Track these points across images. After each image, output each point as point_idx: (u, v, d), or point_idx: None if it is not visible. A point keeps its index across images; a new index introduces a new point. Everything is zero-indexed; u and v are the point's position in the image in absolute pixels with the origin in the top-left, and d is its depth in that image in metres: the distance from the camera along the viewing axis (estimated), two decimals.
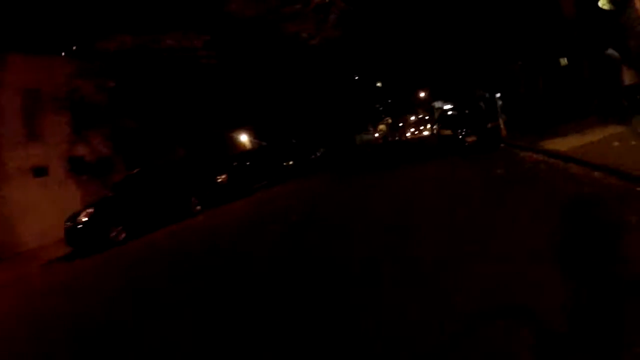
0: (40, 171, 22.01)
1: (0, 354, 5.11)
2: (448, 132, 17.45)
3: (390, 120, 78.59)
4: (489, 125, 16.35)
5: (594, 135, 10.05)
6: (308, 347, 3.39)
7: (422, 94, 56.64)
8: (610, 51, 13.96)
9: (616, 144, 8.26)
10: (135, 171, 16.18)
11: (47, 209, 20.79)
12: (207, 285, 5.96)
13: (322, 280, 4.90)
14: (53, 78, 21.75)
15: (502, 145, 14.66)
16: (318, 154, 31.47)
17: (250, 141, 31.24)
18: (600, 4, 11.87)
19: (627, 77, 13.65)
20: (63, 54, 22.79)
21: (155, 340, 4.23)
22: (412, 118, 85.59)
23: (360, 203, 10.15)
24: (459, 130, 16.63)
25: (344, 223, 8.17)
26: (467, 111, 19.16)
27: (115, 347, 4.28)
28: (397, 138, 75.61)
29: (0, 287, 11.52)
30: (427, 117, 72.70)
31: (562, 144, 10.33)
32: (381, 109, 69.87)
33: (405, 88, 52.18)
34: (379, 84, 59.89)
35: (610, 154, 7.49)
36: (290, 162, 25.25)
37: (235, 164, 20.95)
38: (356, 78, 47.70)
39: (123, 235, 12.94)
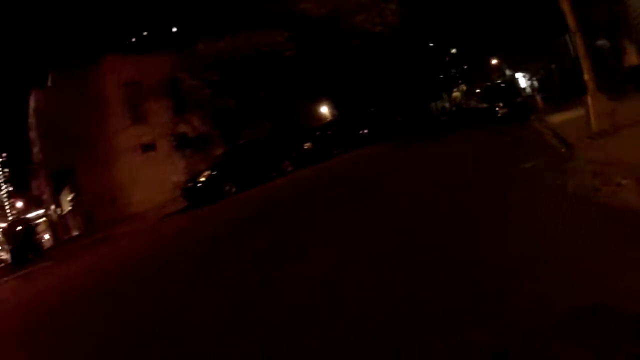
0: (148, 147, 27.22)
1: (157, 274, 7.57)
2: (484, 105, 19.82)
3: (464, 88, 78.80)
4: (518, 100, 18.26)
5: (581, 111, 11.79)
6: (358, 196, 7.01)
7: (494, 61, 57.12)
8: (601, 42, 15.46)
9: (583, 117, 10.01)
10: (242, 142, 21.04)
11: (155, 178, 25.69)
12: (296, 207, 9.89)
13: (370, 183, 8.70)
14: (153, 72, 26.54)
15: (532, 117, 15.07)
16: (392, 123, 34.14)
17: (331, 112, 34.95)
18: None
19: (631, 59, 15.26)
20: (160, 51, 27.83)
21: (262, 246, 6.83)
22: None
23: (406, 160, 13.28)
24: (495, 104, 18.90)
25: (387, 170, 11.79)
26: (503, 85, 21.35)
27: (235, 259, 6.69)
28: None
29: (135, 233, 15.76)
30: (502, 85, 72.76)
31: (558, 117, 11.83)
32: (457, 75, 70.51)
33: (478, 55, 52.91)
34: (453, 51, 60.69)
35: (568, 126, 9.31)
36: (365, 131, 28.23)
37: (318, 133, 24.68)
38: (430, 45, 48.78)
39: (234, 189, 16.92)
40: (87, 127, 31.33)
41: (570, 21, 7.46)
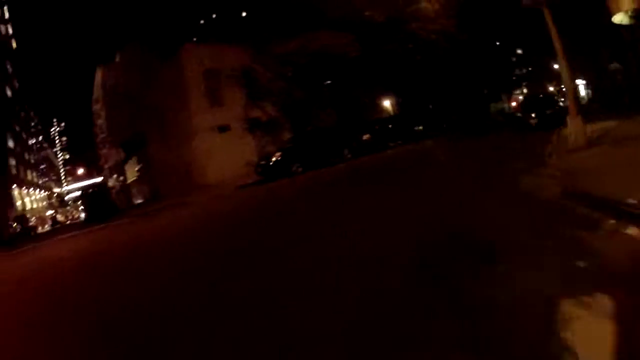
0: (223, 128, 31.50)
1: (238, 224, 10.65)
2: (519, 114, 22.95)
3: (525, 90, 78.96)
4: (548, 112, 20.76)
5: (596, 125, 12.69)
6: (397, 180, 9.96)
7: (555, 66, 57.70)
8: (614, 65, 17.56)
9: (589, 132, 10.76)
10: (309, 129, 25.44)
11: (228, 155, 29.83)
12: (349, 185, 13.16)
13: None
14: (230, 62, 30.52)
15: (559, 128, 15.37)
16: (447, 121, 36.86)
17: (393, 106, 38.39)
18: (617, 19, 12.85)
19: None
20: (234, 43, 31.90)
21: (322, 205, 10.05)
22: (551, 89, 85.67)
23: (450, 155, 16.46)
24: (529, 113, 21.76)
25: (428, 162, 14.92)
26: (541, 97, 24.37)
27: (305, 212, 9.83)
28: None
29: (215, 198, 19.52)
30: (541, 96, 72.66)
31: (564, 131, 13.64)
32: (521, 77, 70.66)
33: (543, 58, 53.38)
34: (519, 51, 61.08)
35: (563, 140, 11.01)
36: (420, 127, 31.22)
37: (376, 127, 27.87)
38: (497, 44, 49.51)
39: (300, 169, 20.71)
40: (160, 104, 35.86)
41: (557, 46, 9.57)
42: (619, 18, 12.27)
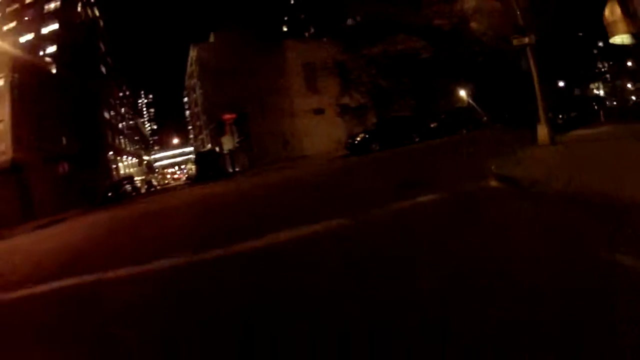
0: (318, 111, 40.04)
1: (331, 177, 19.25)
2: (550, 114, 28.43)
3: (600, 85, 79.42)
4: (572, 114, 25.45)
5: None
6: (447, 154, 17.11)
7: (629, 63, 59.94)
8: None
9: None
10: (388, 117, 32.27)
11: (321, 134, 38.16)
12: (409, 158, 19.86)
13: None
14: (324, 56, 38.54)
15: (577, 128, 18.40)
16: (510, 113, 42.75)
17: (466, 99, 44.71)
18: (617, 41, 14.16)
19: None
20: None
21: (389, 168, 17.88)
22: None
23: (478, 141, 22.33)
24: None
25: (474, 143, 21.11)
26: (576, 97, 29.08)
27: (375, 170, 17.93)
28: None
29: (312, 165, 27.37)
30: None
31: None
32: (603, 70, 71.45)
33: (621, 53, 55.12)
34: (600, 44, 62.33)
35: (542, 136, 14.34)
36: (484, 118, 37.42)
37: (443, 116, 34.35)
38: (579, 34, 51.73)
39: (377, 147, 28.06)
40: (261, 86, 45.35)
41: (534, 72, 13.16)
42: (619, 39, 14.33)
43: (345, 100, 37.88)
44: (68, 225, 22.23)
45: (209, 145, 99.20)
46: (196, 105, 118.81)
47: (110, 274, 6.52)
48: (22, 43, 53.57)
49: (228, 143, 64.00)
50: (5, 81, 41.31)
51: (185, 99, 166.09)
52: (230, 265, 5.80)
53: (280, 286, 4.50)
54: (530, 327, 2.79)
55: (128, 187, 48.46)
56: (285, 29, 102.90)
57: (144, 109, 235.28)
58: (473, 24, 24.21)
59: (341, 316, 3.41)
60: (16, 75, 42.74)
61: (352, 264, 4.85)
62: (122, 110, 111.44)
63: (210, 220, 11.73)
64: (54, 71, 52.55)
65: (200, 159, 47.02)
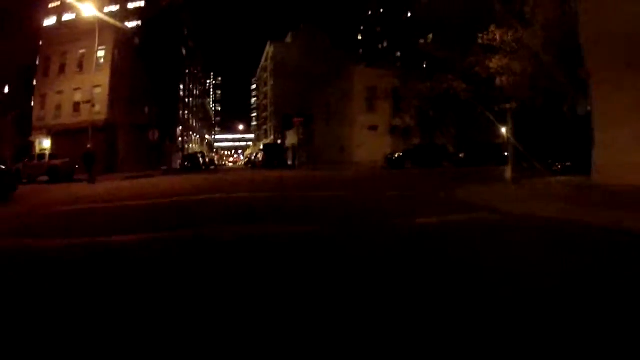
0: (372, 127, 47.97)
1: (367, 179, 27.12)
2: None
3: None
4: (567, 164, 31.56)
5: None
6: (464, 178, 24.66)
7: None
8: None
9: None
10: (426, 143, 39.06)
11: (371, 146, 45.93)
12: (431, 178, 26.40)
13: None
14: (383, 82, 46.07)
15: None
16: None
17: (506, 135, 51.22)
18: None
19: None
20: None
21: (414, 177, 25.39)
22: None
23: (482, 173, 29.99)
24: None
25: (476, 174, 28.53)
26: None
27: (402, 177, 25.58)
28: None
29: (357, 170, 34.34)
30: None
31: None
32: None
33: None
34: None
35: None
36: (505, 153, 44.05)
37: (471, 149, 39.47)
38: None
39: (410, 166, 34.73)
40: (329, 96, 54.39)
41: (509, 133, 23.02)
42: None
43: (396, 121, 45.27)
44: (157, 179, 29.73)
45: (272, 137, 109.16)
46: (265, 97, 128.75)
47: (202, 196, 14.43)
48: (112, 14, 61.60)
49: (292, 138, 73.22)
50: (106, 52, 50.41)
51: (254, 86, 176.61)
52: (285, 198, 13.53)
53: (293, 207, 11.55)
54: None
55: (201, 160, 57.57)
56: (359, 37, 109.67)
57: (211, 89, 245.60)
58: (499, 80, 29.32)
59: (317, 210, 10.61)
60: (116, 49, 52.19)
61: (341, 204, 11.83)
62: (195, 91, 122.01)
63: (279, 185, 19.72)
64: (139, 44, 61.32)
65: (269, 149, 56.09)
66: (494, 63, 26.30)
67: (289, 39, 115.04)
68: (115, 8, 72.27)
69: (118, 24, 52.03)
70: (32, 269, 5.14)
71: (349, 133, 51.30)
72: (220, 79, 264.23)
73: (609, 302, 3.49)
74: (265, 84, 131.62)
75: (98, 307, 3.62)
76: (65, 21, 65.03)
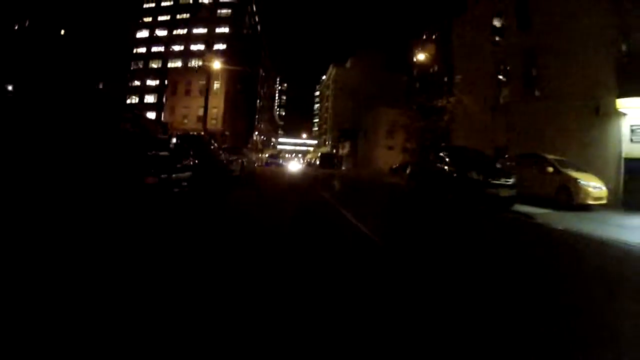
0: (390, 148, 75.81)
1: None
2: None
3: None
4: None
5: None
6: None
7: None
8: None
9: None
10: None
11: (388, 159, 73.83)
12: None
13: None
14: (398, 119, 72.97)
15: None
16: None
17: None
18: None
19: None
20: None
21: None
22: None
23: None
24: None
25: None
26: None
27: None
28: None
29: (374, 171, 62.53)
30: None
31: None
32: None
33: None
34: None
35: None
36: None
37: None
38: None
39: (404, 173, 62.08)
40: (369, 121, 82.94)
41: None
42: None
43: (407, 144, 71.11)
44: (262, 168, 53.98)
45: (330, 145, 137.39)
46: (326, 111, 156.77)
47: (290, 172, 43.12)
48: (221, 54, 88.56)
49: (343, 150, 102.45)
50: (220, 84, 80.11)
51: (317, 93, 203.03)
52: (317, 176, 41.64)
53: (324, 176, 39.93)
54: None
55: (280, 160, 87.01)
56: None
57: (277, 94, 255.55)
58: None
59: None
60: (225, 82, 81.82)
61: (338, 177, 40.11)
62: (263, 98, 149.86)
63: (321, 174, 46.86)
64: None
65: (324, 156, 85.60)
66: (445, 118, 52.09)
67: (348, 64, 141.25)
68: (204, 30, 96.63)
69: (228, 66, 79.16)
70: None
71: (375, 150, 78.60)
72: (285, 85, 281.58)
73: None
74: (327, 100, 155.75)
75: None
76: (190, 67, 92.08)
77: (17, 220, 6.96)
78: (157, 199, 10.55)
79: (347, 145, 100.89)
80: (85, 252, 5.55)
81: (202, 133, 45.27)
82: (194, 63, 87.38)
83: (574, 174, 19.60)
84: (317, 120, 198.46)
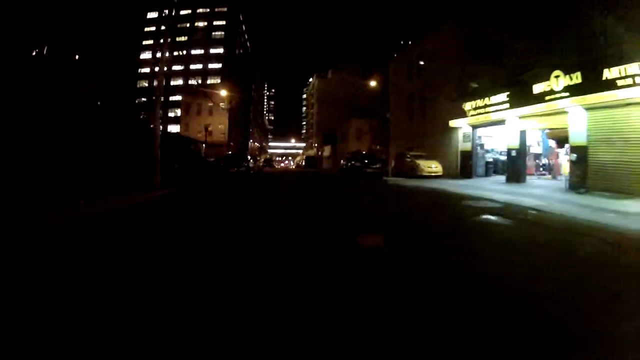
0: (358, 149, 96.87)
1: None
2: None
3: None
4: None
5: None
6: None
7: None
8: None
9: None
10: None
11: None
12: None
13: None
14: (366, 125, 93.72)
15: None
16: None
17: None
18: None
19: None
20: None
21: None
22: None
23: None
24: None
25: None
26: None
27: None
28: None
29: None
30: None
31: None
32: None
33: None
34: None
35: None
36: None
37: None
38: None
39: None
40: (342, 123, 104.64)
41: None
42: None
43: (373, 146, 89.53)
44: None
45: (316, 148, 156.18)
46: (312, 117, 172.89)
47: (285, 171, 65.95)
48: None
49: (327, 151, 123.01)
50: (224, 107, 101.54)
51: (304, 96, 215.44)
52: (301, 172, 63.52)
53: (307, 173, 61.25)
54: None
55: (274, 163, 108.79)
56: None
57: (265, 100, 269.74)
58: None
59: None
60: (228, 104, 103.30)
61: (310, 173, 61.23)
62: (256, 106, 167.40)
63: (305, 171, 69.49)
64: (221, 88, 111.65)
65: (308, 158, 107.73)
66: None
67: (329, 75, 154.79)
68: (200, 51, 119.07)
69: (234, 94, 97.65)
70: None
71: (347, 151, 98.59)
72: (274, 90, 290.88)
73: None
74: (312, 107, 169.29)
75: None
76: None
77: (213, 175, 32.19)
78: (235, 175, 35.46)
79: (328, 149, 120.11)
80: (231, 183, 29.57)
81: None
82: (194, 81, 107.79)
83: (419, 160, 38.00)
84: (305, 123, 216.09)
